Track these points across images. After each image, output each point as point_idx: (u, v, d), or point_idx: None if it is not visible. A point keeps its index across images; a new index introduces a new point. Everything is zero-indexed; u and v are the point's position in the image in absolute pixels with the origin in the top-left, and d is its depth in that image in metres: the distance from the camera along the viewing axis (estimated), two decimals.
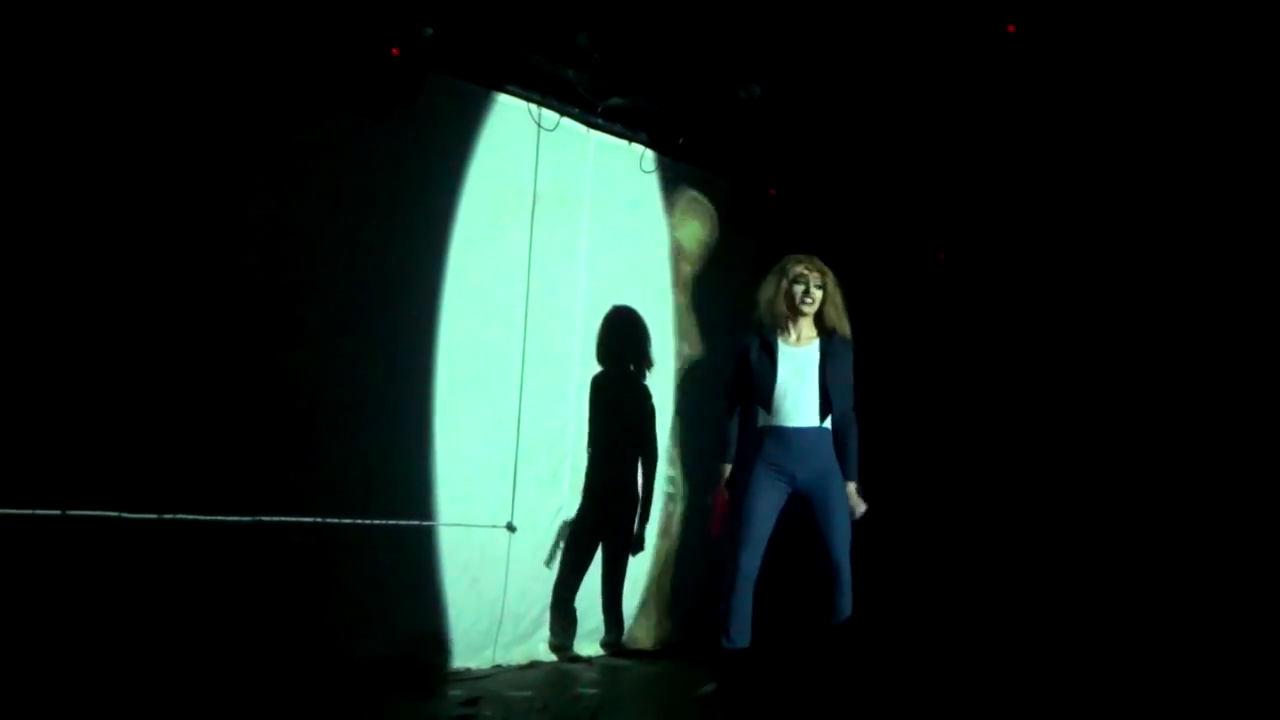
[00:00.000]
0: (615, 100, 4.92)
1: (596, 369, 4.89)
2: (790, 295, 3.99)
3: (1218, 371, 5.55)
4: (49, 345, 3.27)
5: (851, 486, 3.93)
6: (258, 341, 3.77)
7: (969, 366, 6.54)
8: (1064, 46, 4.84)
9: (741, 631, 3.79)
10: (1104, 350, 6.03)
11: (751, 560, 3.81)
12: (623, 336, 4.98)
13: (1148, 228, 5.79)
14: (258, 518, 3.71)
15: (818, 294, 3.98)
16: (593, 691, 4.02)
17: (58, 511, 3.22)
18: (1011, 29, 4.68)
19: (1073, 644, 5.35)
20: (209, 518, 3.58)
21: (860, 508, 3.91)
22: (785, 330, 4.01)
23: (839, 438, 3.93)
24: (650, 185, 5.31)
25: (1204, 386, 5.58)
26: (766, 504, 3.86)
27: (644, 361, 5.02)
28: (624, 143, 5.16)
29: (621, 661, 4.72)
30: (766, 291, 4.04)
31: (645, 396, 5.03)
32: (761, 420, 3.95)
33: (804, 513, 3.90)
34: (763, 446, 3.90)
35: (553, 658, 4.58)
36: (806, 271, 3.99)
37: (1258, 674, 4.55)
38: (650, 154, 5.26)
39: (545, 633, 4.61)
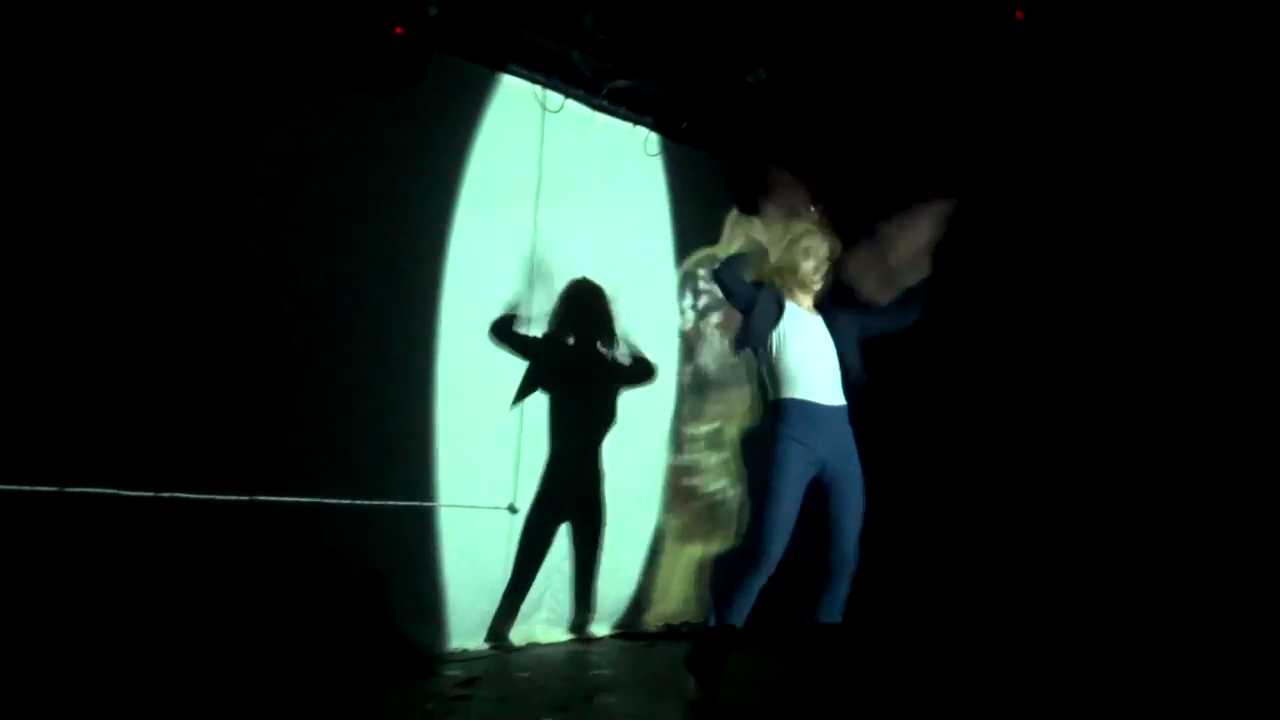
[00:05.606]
0: (620, 82, 4.90)
1: (596, 347, 4.88)
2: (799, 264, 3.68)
3: (1238, 360, 5.49)
4: (48, 325, 3.27)
5: None
6: (257, 321, 3.76)
7: (975, 352, 6.51)
8: (1073, 33, 4.80)
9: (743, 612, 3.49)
10: (1115, 338, 6.00)
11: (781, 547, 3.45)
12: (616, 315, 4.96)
13: (1156, 219, 5.75)
14: (255, 497, 3.71)
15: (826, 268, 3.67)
16: (591, 673, 4.03)
17: (54, 488, 3.23)
18: (1020, 15, 4.65)
19: (1074, 633, 5.34)
20: (206, 496, 3.59)
21: None
22: (791, 293, 3.69)
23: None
24: (655, 168, 5.29)
25: (1224, 374, 5.53)
26: (798, 488, 3.47)
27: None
28: (629, 125, 5.14)
29: (621, 643, 4.73)
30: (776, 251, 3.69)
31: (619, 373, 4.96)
32: (786, 391, 3.55)
33: (818, 499, 3.54)
34: (791, 421, 3.51)
35: (551, 639, 4.59)
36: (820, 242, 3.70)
37: (1258, 668, 4.54)
38: (655, 137, 5.24)
39: (544, 614, 4.62)
